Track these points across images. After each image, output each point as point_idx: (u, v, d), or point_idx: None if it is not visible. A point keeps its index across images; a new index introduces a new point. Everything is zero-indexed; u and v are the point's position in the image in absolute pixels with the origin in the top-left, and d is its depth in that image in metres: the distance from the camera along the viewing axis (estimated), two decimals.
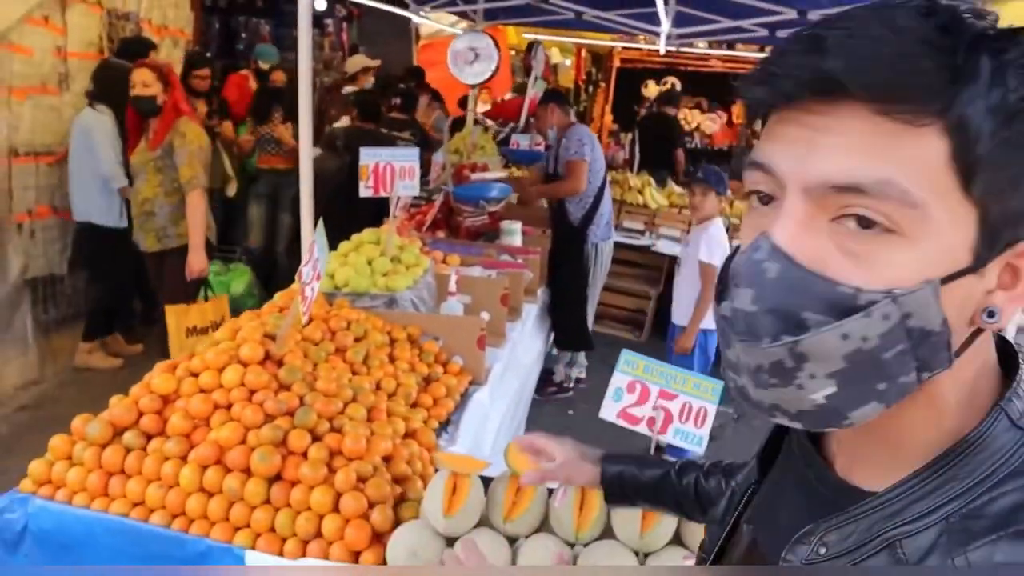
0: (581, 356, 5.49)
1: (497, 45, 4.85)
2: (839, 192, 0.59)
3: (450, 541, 1.85)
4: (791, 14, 5.28)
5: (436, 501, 1.81)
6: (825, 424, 0.63)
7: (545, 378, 5.30)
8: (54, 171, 4.98)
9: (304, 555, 1.92)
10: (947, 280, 0.59)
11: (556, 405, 5.20)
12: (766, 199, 0.66)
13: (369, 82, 7.16)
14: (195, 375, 2.23)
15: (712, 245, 4.35)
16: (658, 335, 6.05)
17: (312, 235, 3.68)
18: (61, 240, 5.10)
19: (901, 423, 0.66)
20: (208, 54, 7.10)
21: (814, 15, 5.23)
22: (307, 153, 3.62)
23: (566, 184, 5.16)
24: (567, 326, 5.22)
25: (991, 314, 0.62)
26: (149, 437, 2.13)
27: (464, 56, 4.63)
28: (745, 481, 0.87)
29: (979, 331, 0.64)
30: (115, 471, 2.07)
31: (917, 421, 0.65)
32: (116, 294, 5.14)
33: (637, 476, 1.32)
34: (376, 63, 7.39)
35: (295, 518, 1.94)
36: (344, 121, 5.75)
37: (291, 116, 5.44)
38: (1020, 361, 0.67)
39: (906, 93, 0.56)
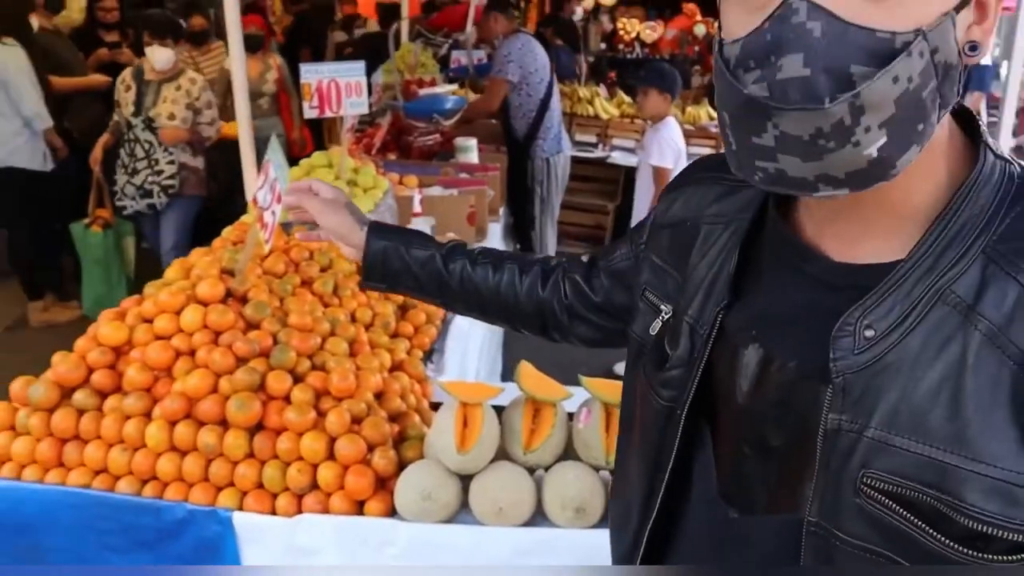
0: None
1: None
2: None
3: (465, 479, 1.65)
4: None
5: (447, 436, 1.59)
6: (874, 180, 0.63)
7: None
8: None
9: (300, 511, 1.70)
10: (958, 8, 0.62)
11: None
12: None
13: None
14: (148, 321, 1.95)
15: (664, 147, 4.13)
16: None
17: (252, 152, 3.38)
18: None
19: (907, 183, 0.66)
20: None
21: None
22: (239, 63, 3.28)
23: (477, 103, 4.83)
24: (523, 246, 5.02)
25: (973, 47, 0.64)
26: (104, 395, 1.86)
27: None
28: (706, 310, 0.81)
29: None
30: (68, 437, 1.80)
31: (918, 175, 0.66)
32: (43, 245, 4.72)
33: (403, 254, 1.19)
34: None
35: (285, 470, 1.71)
36: None
37: None
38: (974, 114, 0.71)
39: None
